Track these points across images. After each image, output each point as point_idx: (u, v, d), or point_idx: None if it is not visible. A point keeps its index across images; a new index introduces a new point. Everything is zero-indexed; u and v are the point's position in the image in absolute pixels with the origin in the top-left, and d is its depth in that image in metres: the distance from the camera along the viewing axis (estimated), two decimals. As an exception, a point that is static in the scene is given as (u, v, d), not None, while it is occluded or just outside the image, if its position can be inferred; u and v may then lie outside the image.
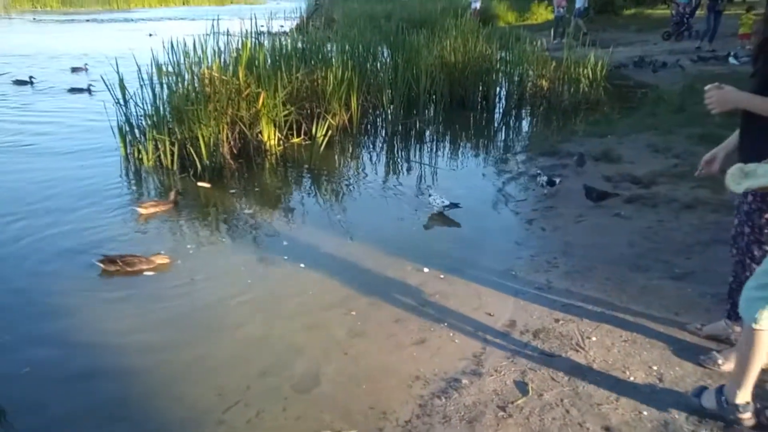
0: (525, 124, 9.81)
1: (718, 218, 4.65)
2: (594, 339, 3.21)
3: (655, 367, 2.93)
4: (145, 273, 4.13)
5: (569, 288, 3.82)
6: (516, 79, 10.41)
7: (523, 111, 10.32)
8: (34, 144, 7.47)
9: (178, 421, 2.75)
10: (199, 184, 5.97)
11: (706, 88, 2.47)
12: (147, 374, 3.09)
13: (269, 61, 7.67)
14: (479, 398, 2.80)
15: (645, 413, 2.61)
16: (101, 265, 4.08)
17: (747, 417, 2.44)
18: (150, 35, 20.57)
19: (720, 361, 2.87)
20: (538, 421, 2.60)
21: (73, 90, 10.78)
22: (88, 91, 10.53)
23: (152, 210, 5.22)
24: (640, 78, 12.31)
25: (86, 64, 13.39)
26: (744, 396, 2.44)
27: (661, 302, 3.53)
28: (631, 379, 2.86)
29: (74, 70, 13.31)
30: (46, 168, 6.45)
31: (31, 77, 11.61)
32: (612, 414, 2.62)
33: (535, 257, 4.34)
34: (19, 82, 11.53)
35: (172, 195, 5.41)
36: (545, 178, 5.54)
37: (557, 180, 5.57)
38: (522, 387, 2.85)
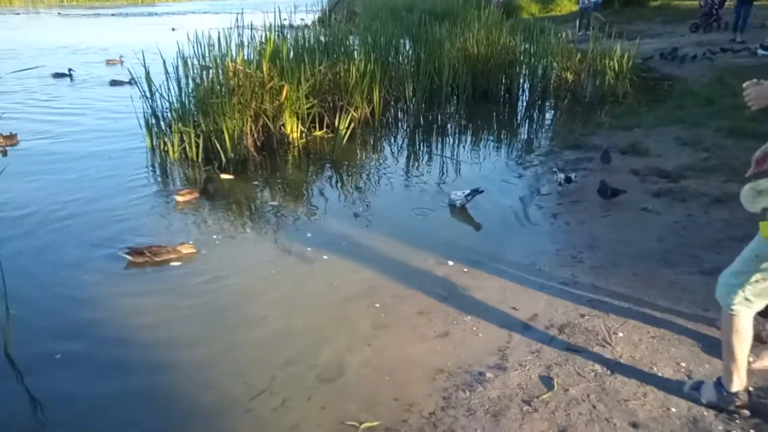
0: (549, 117, 9.69)
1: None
2: (621, 335, 3.18)
3: (683, 364, 2.89)
4: (172, 264, 4.19)
5: (595, 283, 3.77)
6: (540, 71, 10.28)
7: (547, 104, 10.20)
8: (69, 135, 7.62)
9: (206, 408, 2.79)
10: (223, 176, 6.03)
11: (745, 85, 2.43)
12: (175, 362, 3.14)
13: (292, 54, 7.70)
14: (504, 392, 2.79)
15: (673, 410, 2.58)
16: (129, 257, 4.14)
17: (746, 403, 2.48)
18: (173, 29, 20.79)
19: (750, 359, 2.81)
20: (564, 416, 2.59)
21: (114, 82, 10.99)
22: (130, 83, 10.69)
23: (189, 197, 5.41)
24: (666, 70, 12.07)
25: (121, 56, 13.59)
26: (739, 383, 2.48)
27: (690, 298, 3.48)
28: (659, 375, 2.82)
29: (109, 62, 13.55)
30: (75, 159, 6.57)
31: (70, 70, 11.79)
32: (639, 410, 2.59)
33: (560, 252, 4.29)
34: (58, 75, 11.74)
35: (201, 183, 5.61)
36: (562, 176, 5.43)
37: (574, 176, 5.45)
38: (547, 382, 2.83)
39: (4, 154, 6.37)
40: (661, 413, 2.56)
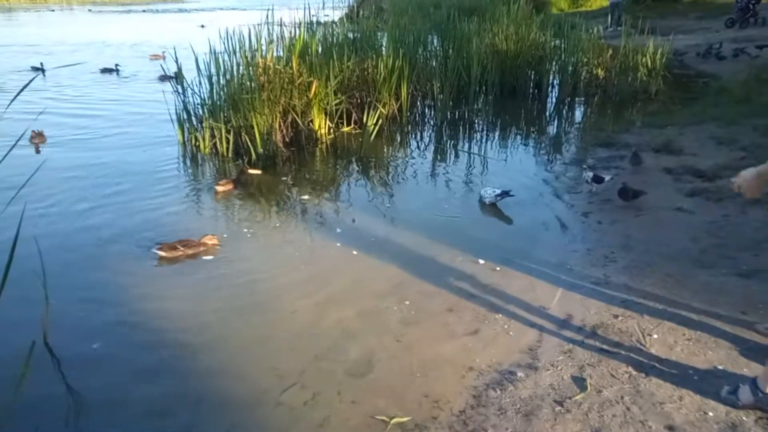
0: (579, 115, 9.55)
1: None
2: (655, 336, 3.12)
3: (720, 367, 2.83)
4: (204, 258, 4.24)
5: (628, 283, 3.71)
6: (570, 67, 10.13)
7: (577, 101, 10.05)
8: (107, 130, 7.78)
9: (239, 399, 2.83)
10: (252, 171, 6.09)
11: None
12: (208, 353, 3.18)
13: (321, 50, 7.73)
14: (535, 392, 2.76)
15: (710, 414, 2.52)
16: (161, 252, 4.21)
17: None
18: (202, 26, 21.05)
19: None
20: (598, 418, 2.55)
21: (164, 77, 11.17)
22: (176, 78, 10.81)
23: (228, 188, 5.61)
24: (701, 67, 11.79)
25: (164, 51, 13.75)
26: None
27: (726, 300, 3.40)
28: (696, 378, 2.76)
29: (153, 57, 13.76)
30: (111, 153, 6.70)
31: (116, 65, 11.98)
32: (675, 413, 2.54)
33: (592, 251, 4.23)
34: (106, 71, 11.96)
35: (236, 174, 5.83)
36: (590, 174, 5.30)
37: (607, 178, 5.27)
38: (580, 382, 2.80)
39: (37, 150, 6.51)
40: (698, 417, 2.51)
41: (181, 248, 4.19)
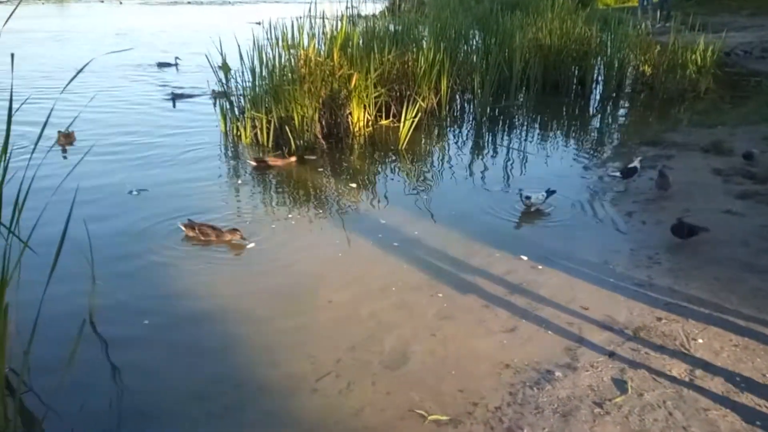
0: (624, 112, 9.32)
1: None
2: (701, 341, 3.02)
3: (770, 376, 2.72)
4: (248, 246, 4.28)
5: (673, 286, 3.60)
6: (616, 64, 9.86)
7: (622, 97, 9.80)
8: (156, 123, 7.98)
9: (275, 385, 2.87)
10: (291, 159, 6.15)
11: None
12: (246, 339, 3.24)
13: (362, 42, 7.73)
14: (574, 392, 2.71)
15: (758, 423, 2.43)
16: (183, 228, 4.32)
17: None
18: (256, 22, 21.29)
19: None
20: (638, 422, 2.49)
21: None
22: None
23: (279, 162, 6.04)
24: (753, 65, 11.33)
25: (176, 58, 13.72)
26: None
27: (778, 307, 3.27)
28: (743, 386, 2.67)
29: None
30: (158, 143, 6.88)
31: (176, 58, 12.10)
32: (721, 421, 2.46)
33: (635, 251, 4.12)
34: (163, 65, 12.05)
35: (293, 158, 6.16)
36: (637, 162, 5.14)
37: (636, 163, 5.12)
38: (620, 385, 2.73)
39: (64, 151, 6.47)
40: (746, 427, 2.42)
41: (197, 230, 4.27)
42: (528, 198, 4.79)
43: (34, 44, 14.75)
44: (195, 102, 8.86)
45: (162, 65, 12.08)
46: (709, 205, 4.78)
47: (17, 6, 2.76)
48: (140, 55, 12.71)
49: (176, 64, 11.97)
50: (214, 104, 7.20)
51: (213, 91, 8.40)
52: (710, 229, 4.17)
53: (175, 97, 8.87)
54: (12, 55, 2.63)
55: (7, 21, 2.57)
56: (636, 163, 5.20)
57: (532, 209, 4.85)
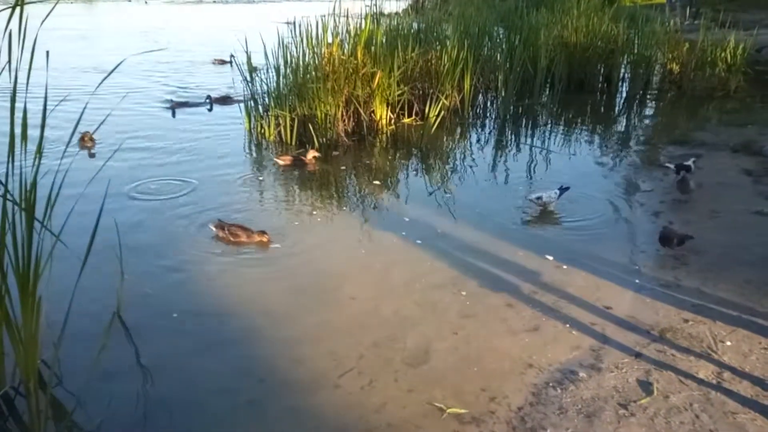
0: (651, 110, 9.16)
1: None
2: (729, 344, 2.97)
3: (801, 381, 2.66)
4: (273, 245, 4.32)
5: (700, 288, 3.54)
6: (643, 62, 9.70)
7: (649, 96, 9.64)
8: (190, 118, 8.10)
9: (298, 380, 2.90)
10: (314, 154, 6.19)
11: None
12: (270, 335, 3.27)
13: (385, 41, 7.73)
14: (598, 393, 2.69)
15: (789, 429, 2.38)
16: (213, 228, 4.37)
17: None
18: (287, 23, 21.36)
19: None
20: (664, 424, 2.46)
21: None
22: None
23: (288, 162, 5.99)
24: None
25: (231, 56, 13.75)
26: None
27: (810, 311, 3.19)
28: (773, 390, 2.61)
29: (218, 62, 14.04)
30: (187, 139, 6.98)
31: (231, 56, 12.11)
32: (749, 425, 2.41)
33: (662, 252, 4.05)
34: (220, 62, 12.21)
35: (309, 154, 6.10)
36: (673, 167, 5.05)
37: (690, 162, 5.00)
38: (646, 386, 2.70)
39: (90, 155, 6.46)
40: (775, 431, 2.37)
41: (227, 231, 4.30)
42: (539, 198, 4.74)
43: (66, 41, 15.05)
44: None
45: (219, 62, 12.22)
46: (739, 206, 4.68)
47: (55, 5, 2.81)
48: (171, 55, 12.94)
49: (231, 62, 11.97)
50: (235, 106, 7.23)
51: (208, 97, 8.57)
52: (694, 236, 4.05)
53: (212, 101, 8.89)
54: (47, 53, 2.70)
55: (45, 19, 2.63)
56: (690, 163, 5.08)
57: (549, 208, 4.79)
